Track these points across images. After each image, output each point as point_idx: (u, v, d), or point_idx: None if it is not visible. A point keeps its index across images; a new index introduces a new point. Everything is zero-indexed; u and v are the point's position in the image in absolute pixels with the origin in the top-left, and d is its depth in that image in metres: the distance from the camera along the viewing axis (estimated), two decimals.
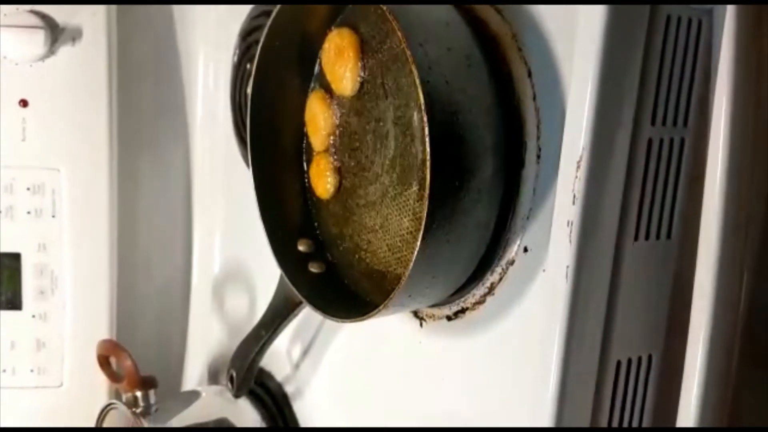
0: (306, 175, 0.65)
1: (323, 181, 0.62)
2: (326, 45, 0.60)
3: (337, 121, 0.61)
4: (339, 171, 0.61)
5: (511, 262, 0.54)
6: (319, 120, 0.62)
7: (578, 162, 0.46)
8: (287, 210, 0.65)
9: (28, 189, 0.81)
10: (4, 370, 0.82)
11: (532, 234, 0.52)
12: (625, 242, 0.49)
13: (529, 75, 0.51)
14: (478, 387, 0.57)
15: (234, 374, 0.73)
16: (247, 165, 0.64)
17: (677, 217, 0.52)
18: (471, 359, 0.57)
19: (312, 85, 0.63)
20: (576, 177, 0.47)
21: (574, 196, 0.47)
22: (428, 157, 0.48)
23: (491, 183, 0.52)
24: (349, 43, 0.58)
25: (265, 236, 0.62)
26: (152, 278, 0.91)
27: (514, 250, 0.53)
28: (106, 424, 0.75)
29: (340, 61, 0.59)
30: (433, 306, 0.59)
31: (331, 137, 0.62)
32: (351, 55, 0.58)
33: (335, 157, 0.62)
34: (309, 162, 0.65)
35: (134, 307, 0.88)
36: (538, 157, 0.51)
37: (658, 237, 0.51)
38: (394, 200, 0.56)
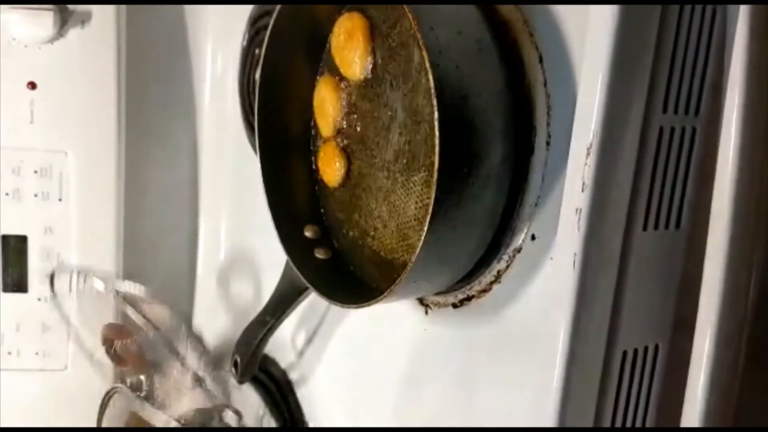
0: (313, 161, 0.65)
1: (331, 167, 0.62)
2: (336, 29, 0.60)
3: (346, 107, 0.61)
4: (347, 157, 0.61)
5: (518, 250, 0.53)
6: (328, 105, 0.61)
7: (588, 149, 0.46)
8: (294, 196, 0.65)
9: (36, 172, 0.81)
10: (9, 353, 0.82)
11: (540, 221, 0.52)
12: (633, 231, 0.49)
13: (540, 61, 0.51)
14: (482, 374, 0.56)
15: (238, 360, 0.73)
16: (255, 151, 0.64)
17: (687, 207, 0.51)
18: (476, 347, 0.57)
19: (321, 70, 0.63)
20: (586, 164, 0.46)
21: (584, 184, 0.46)
22: (437, 142, 0.47)
23: (500, 169, 0.51)
24: (359, 27, 0.57)
25: (272, 222, 0.62)
26: (158, 263, 0.91)
27: (521, 238, 0.53)
28: (110, 408, 0.75)
29: (350, 46, 0.58)
30: (438, 293, 0.59)
31: (340, 123, 0.61)
32: (361, 39, 0.57)
33: (343, 143, 0.61)
34: (317, 148, 0.64)
35: None
36: (548, 143, 0.51)
37: (667, 227, 0.51)
38: (401, 186, 0.56)
